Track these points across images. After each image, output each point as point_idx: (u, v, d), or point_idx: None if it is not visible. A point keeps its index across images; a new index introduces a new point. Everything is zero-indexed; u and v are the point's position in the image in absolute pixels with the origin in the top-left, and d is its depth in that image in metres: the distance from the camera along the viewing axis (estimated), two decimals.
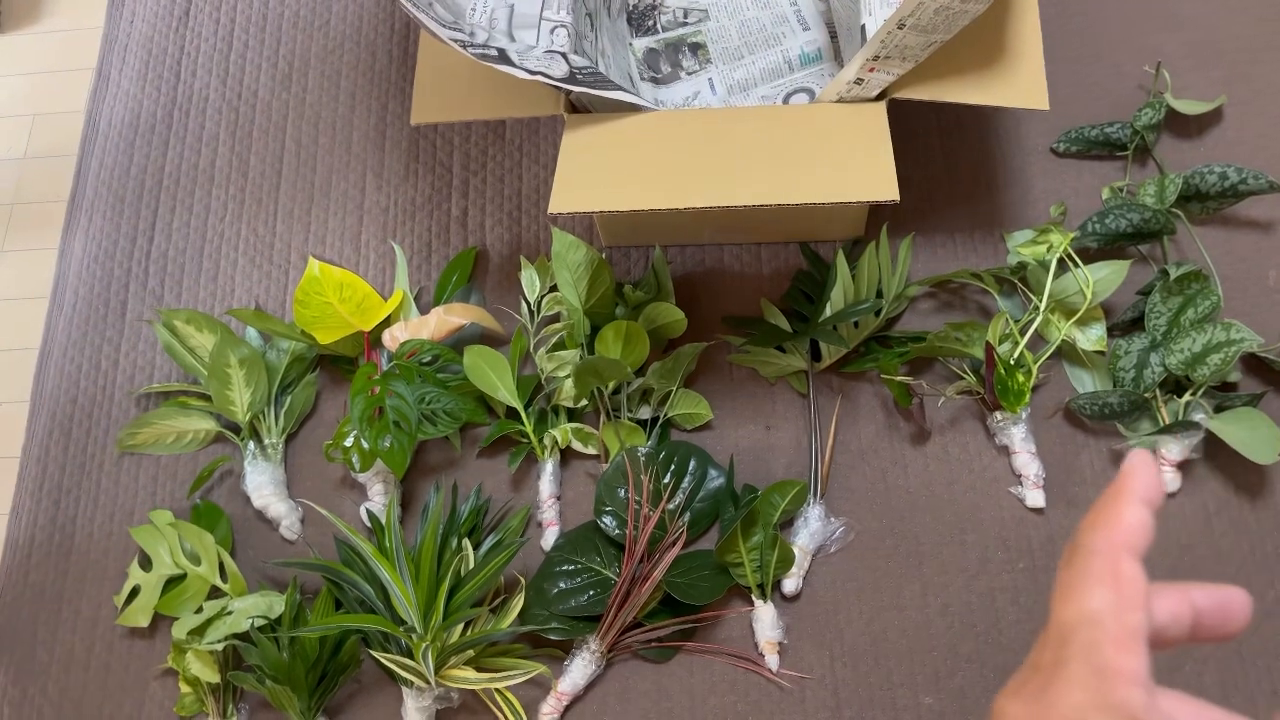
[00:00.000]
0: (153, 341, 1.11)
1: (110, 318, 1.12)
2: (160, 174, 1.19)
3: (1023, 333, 0.95)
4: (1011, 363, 0.93)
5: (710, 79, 1.12)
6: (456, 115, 0.89)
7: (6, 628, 1.01)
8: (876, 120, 0.82)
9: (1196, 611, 0.35)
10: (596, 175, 0.82)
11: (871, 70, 0.81)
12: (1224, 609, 0.35)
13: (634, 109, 0.88)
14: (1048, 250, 0.95)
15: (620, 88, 0.86)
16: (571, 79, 0.84)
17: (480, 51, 0.80)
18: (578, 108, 0.91)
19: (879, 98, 0.85)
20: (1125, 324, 0.98)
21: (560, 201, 0.79)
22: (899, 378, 0.94)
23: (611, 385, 0.98)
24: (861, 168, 0.79)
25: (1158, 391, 0.93)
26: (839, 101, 0.85)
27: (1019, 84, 0.86)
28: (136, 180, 1.19)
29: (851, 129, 0.82)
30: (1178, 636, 0.35)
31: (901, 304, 1.01)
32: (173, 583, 0.96)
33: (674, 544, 0.89)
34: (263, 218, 1.15)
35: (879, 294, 0.97)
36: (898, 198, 0.76)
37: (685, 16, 1.14)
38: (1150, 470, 0.36)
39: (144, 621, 0.96)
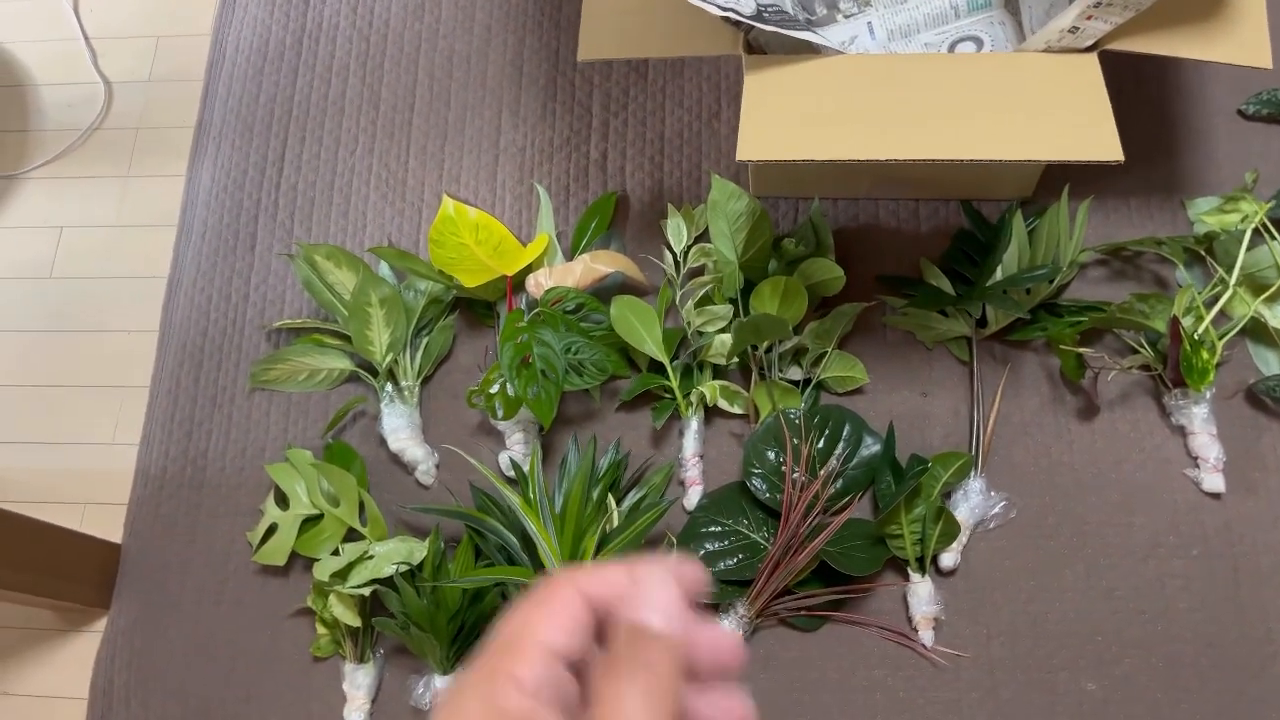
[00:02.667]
0: (283, 275, 1.08)
1: (240, 249, 1.10)
2: (290, 103, 1.16)
3: (1209, 307, 0.90)
4: (1196, 338, 0.88)
5: (869, 22, 1.06)
6: (630, 51, 0.85)
7: (137, 558, 1.00)
8: (1090, 72, 0.76)
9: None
10: (785, 122, 0.77)
11: (1090, 18, 0.75)
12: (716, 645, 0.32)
13: (816, 51, 0.83)
14: (1241, 220, 0.89)
15: (806, 28, 0.81)
16: (759, 17, 0.79)
17: None
18: (754, 48, 0.86)
19: (1090, 49, 0.79)
20: None
21: (750, 149, 0.75)
22: (1075, 348, 0.89)
23: (764, 344, 0.94)
24: (1079, 124, 0.73)
25: None
26: (1047, 51, 0.79)
27: (1240, 39, 0.79)
28: (265, 109, 1.16)
29: (1063, 81, 0.76)
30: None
31: (1072, 271, 0.95)
32: (309, 523, 0.95)
33: (839, 512, 0.85)
34: (395, 153, 1.12)
35: (1055, 260, 0.91)
36: (1122, 158, 0.71)
37: None
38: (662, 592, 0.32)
39: (280, 560, 0.95)
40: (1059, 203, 0.90)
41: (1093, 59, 0.78)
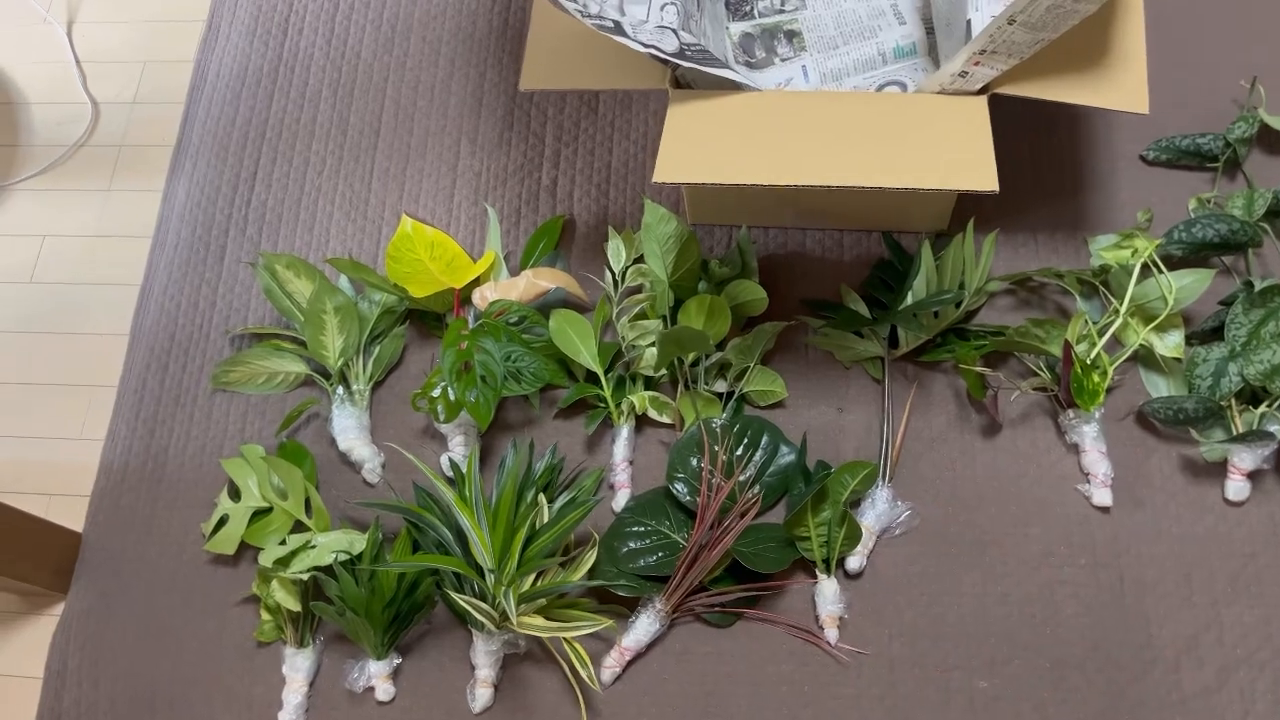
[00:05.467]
0: (249, 285, 1.15)
1: (210, 260, 1.17)
2: (264, 126, 1.23)
3: (1101, 334, 0.97)
4: (1088, 362, 0.95)
5: (804, 66, 1.14)
6: (566, 83, 0.92)
7: (96, 547, 1.06)
8: (978, 113, 0.84)
9: None
10: (700, 149, 0.84)
11: (976, 64, 0.83)
12: None
13: (736, 88, 0.90)
14: (1132, 254, 0.96)
15: (727, 66, 0.89)
16: (681, 54, 0.87)
17: (597, 22, 0.83)
18: (681, 84, 0.93)
19: (980, 92, 0.86)
20: (1204, 333, 0.99)
21: (665, 171, 0.82)
22: (976, 368, 0.96)
23: (691, 357, 1.01)
24: (962, 158, 0.80)
25: (1233, 401, 0.94)
26: (941, 93, 0.86)
27: (1121, 87, 0.87)
28: (241, 131, 1.23)
29: (953, 120, 0.83)
30: None
31: (981, 299, 1.02)
32: (259, 515, 1.01)
33: (745, 513, 0.91)
34: (359, 174, 1.19)
35: (961, 286, 0.98)
36: (997, 188, 0.78)
37: (783, 4, 1.16)
38: None
39: (230, 549, 1.00)
40: (964, 233, 0.97)
41: (982, 101, 0.85)
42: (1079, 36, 0.87)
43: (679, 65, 0.88)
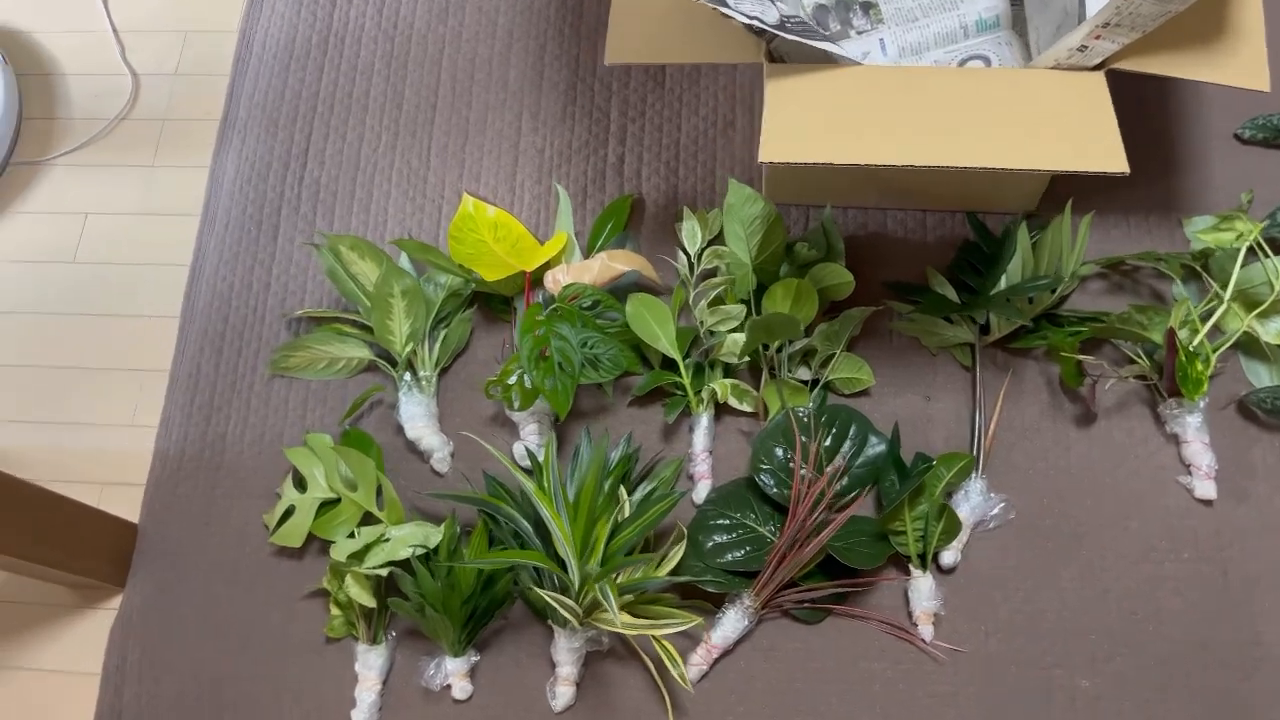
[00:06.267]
0: (304, 266, 1.11)
1: (263, 239, 1.13)
2: (314, 100, 1.19)
3: (1204, 321, 0.93)
4: (1191, 350, 0.91)
5: (881, 39, 1.09)
6: (655, 57, 0.88)
7: (154, 537, 1.02)
8: (1097, 89, 0.80)
9: None
10: (806, 127, 0.80)
11: (1098, 38, 0.79)
12: None
13: (833, 62, 0.86)
14: (1236, 238, 0.93)
15: (827, 39, 0.84)
16: (782, 26, 0.82)
17: None
18: (775, 57, 0.89)
19: (1097, 67, 0.82)
20: None
21: (771, 150, 0.78)
22: (1075, 355, 0.93)
23: (775, 344, 0.97)
24: (1085, 137, 0.76)
25: None
26: (1056, 68, 0.82)
27: (1240, 63, 0.83)
28: (290, 104, 1.19)
29: (1071, 97, 0.79)
30: None
31: (1073, 283, 0.99)
32: (326, 506, 0.97)
33: (843, 508, 0.88)
34: (416, 150, 1.15)
35: (1056, 270, 0.95)
36: (1128, 170, 0.74)
37: None
38: None
39: (297, 542, 0.97)
40: (1062, 216, 0.94)
41: (1100, 77, 0.81)
42: (1195, 11, 0.83)
43: (777, 37, 0.84)
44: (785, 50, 0.88)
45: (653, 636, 0.89)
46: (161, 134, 1.23)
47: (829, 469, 0.92)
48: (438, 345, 1.03)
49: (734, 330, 0.98)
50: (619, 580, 0.90)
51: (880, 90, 0.83)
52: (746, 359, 0.98)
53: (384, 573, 0.90)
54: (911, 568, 0.91)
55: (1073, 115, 0.78)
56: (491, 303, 1.06)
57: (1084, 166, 0.75)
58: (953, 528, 0.90)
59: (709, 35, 0.88)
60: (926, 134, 0.78)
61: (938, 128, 0.79)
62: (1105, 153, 0.75)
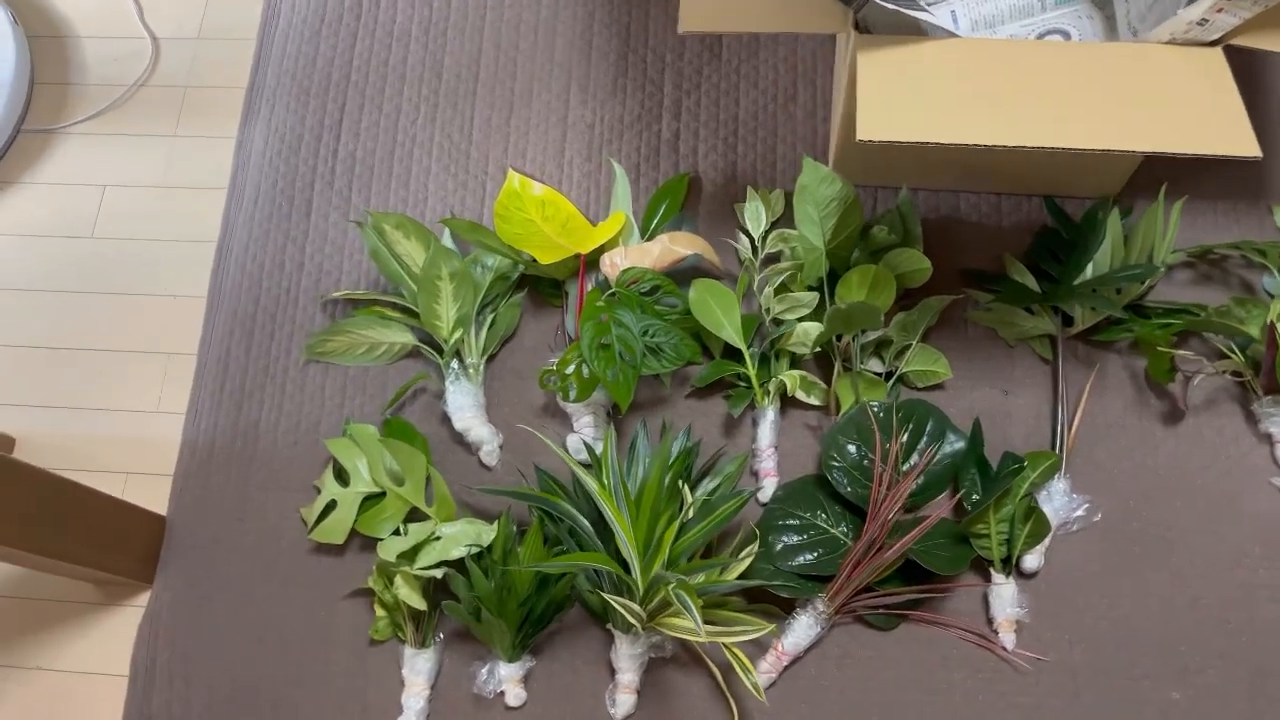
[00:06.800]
0: (339, 244, 1.05)
1: (295, 216, 1.06)
2: (348, 68, 1.12)
3: None
4: None
5: (953, 11, 1.03)
6: (732, 25, 0.82)
7: (183, 531, 0.96)
8: (1218, 66, 0.74)
9: None
10: (903, 103, 0.74)
11: (1220, 11, 0.73)
12: None
13: (923, 33, 0.80)
14: None
15: (926, 9, 0.78)
16: None
17: None
18: (860, 28, 0.83)
19: (1214, 43, 0.77)
20: None
21: (869, 128, 0.72)
22: (1170, 350, 0.88)
23: (850, 334, 0.92)
24: (1210, 118, 0.71)
25: None
26: (1171, 43, 0.77)
27: None
28: (322, 72, 1.12)
29: (1190, 74, 0.74)
30: None
31: (1161, 272, 0.93)
32: (369, 501, 0.91)
33: (918, 508, 0.83)
34: (458, 124, 1.08)
35: (1149, 259, 0.89)
36: (1259, 153, 0.69)
37: None
38: None
39: (339, 539, 0.91)
40: (1157, 203, 0.88)
41: (1219, 53, 0.76)
42: None
43: (867, 4, 0.78)
44: (873, 20, 0.82)
45: (724, 644, 0.84)
46: (183, 102, 1.16)
47: (908, 469, 0.87)
48: (485, 331, 0.97)
49: (804, 319, 0.92)
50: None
51: (980, 64, 0.77)
52: (817, 349, 0.93)
53: (438, 574, 0.85)
54: (993, 572, 0.86)
55: (1194, 94, 0.73)
56: (540, 286, 1.00)
57: (1212, 149, 0.70)
58: (1040, 531, 0.85)
59: (790, 2, 0.82)
60: (1037, 113, 0.73)
61: (1048, 106, 0.73)
62: (1233, 134, 0.70)
